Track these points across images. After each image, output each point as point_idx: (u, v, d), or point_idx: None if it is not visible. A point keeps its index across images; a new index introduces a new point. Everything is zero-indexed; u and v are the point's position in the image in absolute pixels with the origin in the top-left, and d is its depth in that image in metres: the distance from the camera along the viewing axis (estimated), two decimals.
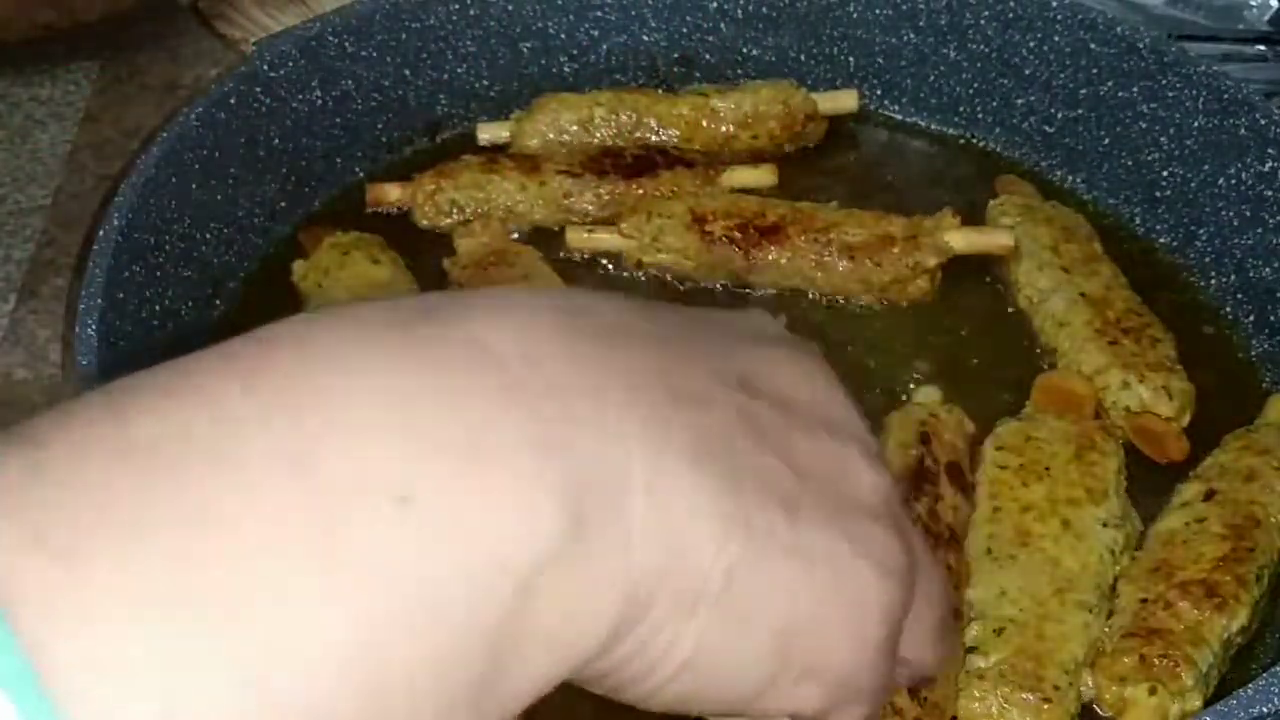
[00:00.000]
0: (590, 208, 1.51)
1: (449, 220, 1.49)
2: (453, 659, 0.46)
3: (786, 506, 0.57)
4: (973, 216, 1.50)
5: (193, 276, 1.36)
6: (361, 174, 1.57)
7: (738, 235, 1.42)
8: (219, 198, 1.40)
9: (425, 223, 1.49)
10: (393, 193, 1.51)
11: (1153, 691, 1.07)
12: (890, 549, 0.62)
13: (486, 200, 1.49)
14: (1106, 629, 1.12)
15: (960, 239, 1.43)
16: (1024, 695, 1.06)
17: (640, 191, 1.51)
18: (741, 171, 1.56)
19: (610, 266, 1.47)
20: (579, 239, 1.47)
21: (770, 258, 1.42)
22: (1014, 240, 1.44)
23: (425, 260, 1.45)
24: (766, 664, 0.58)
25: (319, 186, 1.53)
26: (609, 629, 0.51)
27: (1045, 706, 1.06)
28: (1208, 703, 1.08)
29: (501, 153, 1.56)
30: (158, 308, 1.29)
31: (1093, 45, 1.53)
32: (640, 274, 1.46)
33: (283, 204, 1.49)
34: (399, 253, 1.43)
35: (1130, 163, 1.54)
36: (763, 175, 1.56)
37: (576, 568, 0.49)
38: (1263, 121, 1.39)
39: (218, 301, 1.41)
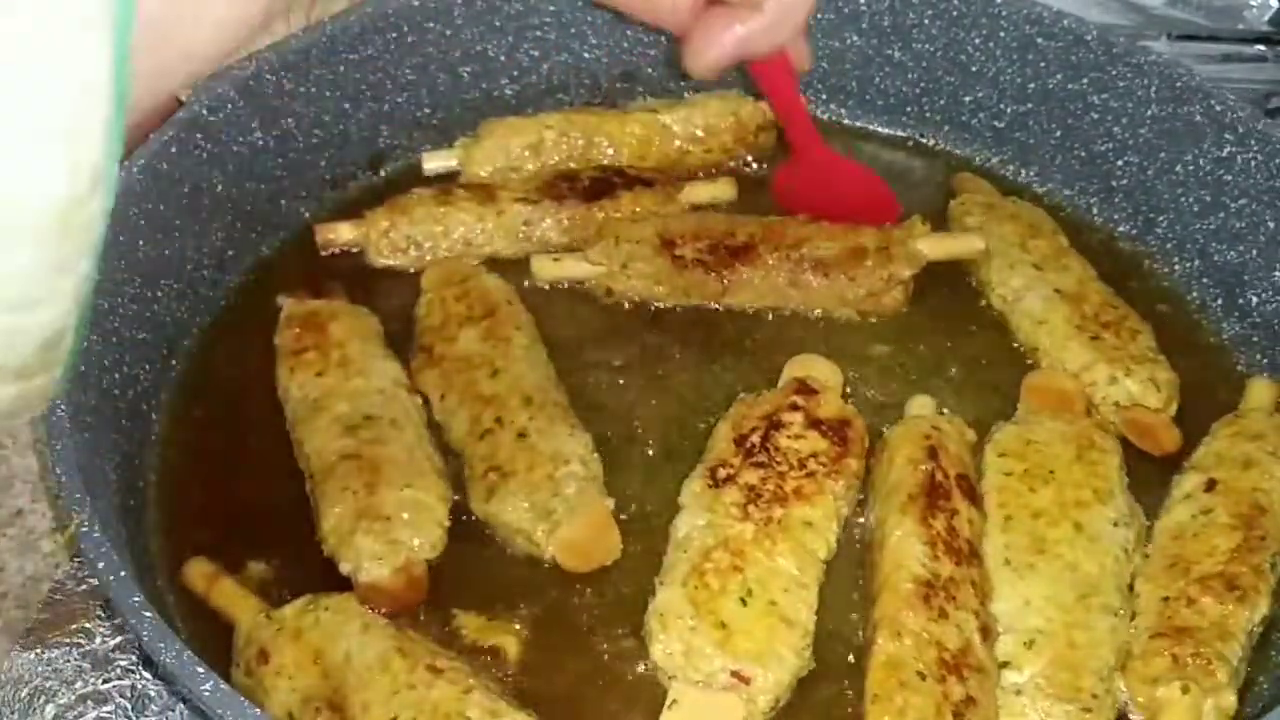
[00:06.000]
0: (551, 234, 1.46)
1: (407, 257, 1.43)
2: None
3: None
4: (932, 216, 1.49)
5: (148, 338, 1.28)
6: (307, 214, 1.50)
7: (709, 257, 1.39)
8: (166, 253, 1.32)
9: (382, 261, 1.43)
10: (345, 233, 1.44)
11: (1185, 690, 1.06)
12: None
13: (445, 234, 1.44)
14: (1132, 629, 1.12)
15: (932, 246, 1.42)
16: (1065, 707, 1.05)
17: (602, 214, 1.47)
18: (699, 187, 1.53)
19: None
20: (546, 268, 1.42)
21: (744, 278, 1.39)
22: (984, 242, 1.43)
23: (387, 299, 1.39)
24: None
25: (265, 231, 1.46)
26: None
27: (1086, 716, 1.05)
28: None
29: (452, 182, 1.51)
30: (117, 375, 1.22)
31: (1039, 39, 1.53)
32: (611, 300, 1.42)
33: (230, 252, 1.42)
34: (360, 292, 1.38)
35: (1084, 154, 1.55)
36: (721, 189, 1.53)
37: None
38: (1218, 108, 1.41)
39: (174, 361, 1.33)
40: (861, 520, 1.22)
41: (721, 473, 1.18)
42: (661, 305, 1.41)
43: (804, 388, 1.26)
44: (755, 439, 1.20)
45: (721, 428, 1.24)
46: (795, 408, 1.23)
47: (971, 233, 1.44)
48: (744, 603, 1.08)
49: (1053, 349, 1.35)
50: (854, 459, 1.21)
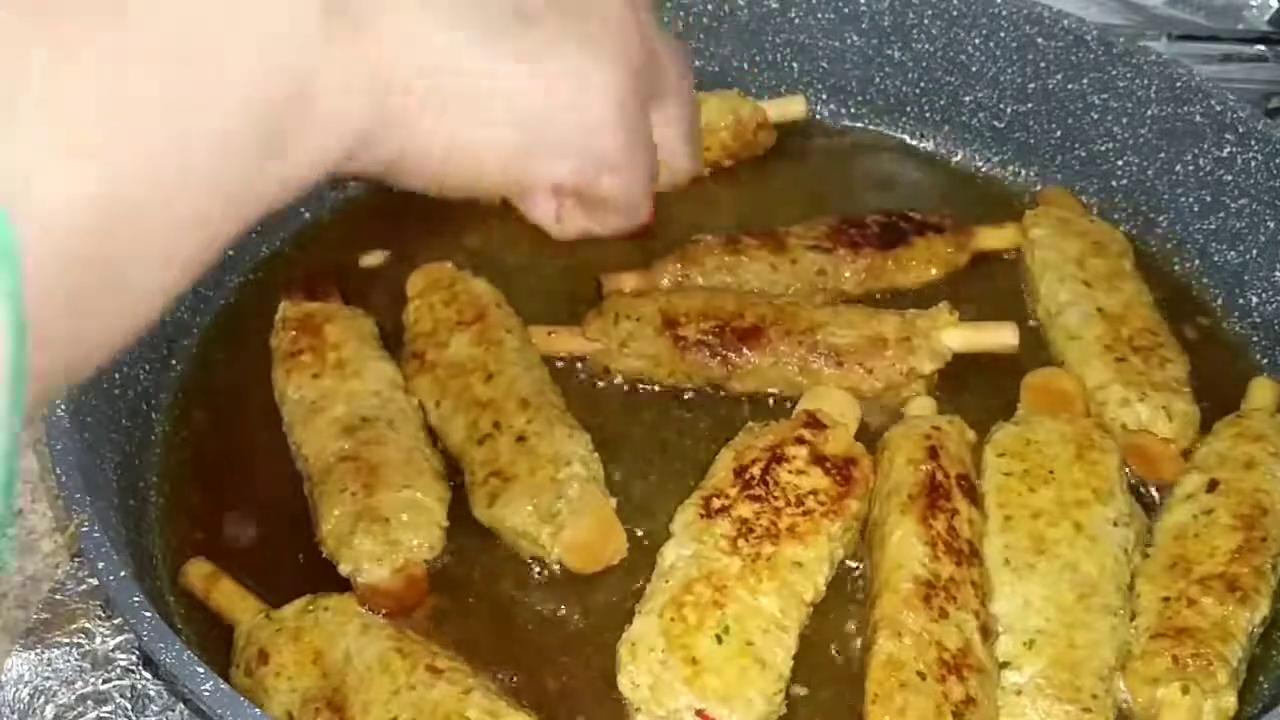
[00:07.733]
0: (848, 285, 1.42)
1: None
2: (242, 133, 0.63)
3: (524, 18, 0.75)
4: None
5: (148, 338, 1.27)
6: (307, 214, 1.50)
7: (713, 340, 1.31)
8: None
9: None
10: (631, 282, 1.39)
11: (1185, 690, 1.07)
12: (622, 45, 0.81)
13: (739, 285, 1.39)
14: (1132, 630, 1.11)
15: (959, 338, 1.33)
16: (1065, 707, 1.05)
17: (893, 264, 1.43)
18: (989, 233, 1.47)
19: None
20: (541, 341, 1.34)
21: (750, 363, 1.31)
22: (1017, 337, 1.35)
23: (381, 301, 1.39)
24: (514, 145, 0.79)
25: (266, 231, 1.46)
26: (373, 114, 0.69)
27: (1086, 716, 1.05)
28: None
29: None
30: (117, 375, 1.22)
31: (1039, 39, 1.53)
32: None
33: (230, 252, 1.40)
34: (354, 294, 1.38)
35: (1084, 154, 1.55)
36: (1010, 235, 1.47)
37: (338, 62, 0.65)
38: (1218, 108, 1.41)
39: (174, 361, 1.34)
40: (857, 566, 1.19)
41: (716, 503, 1.15)
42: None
43: (814, 421, 1.22)
44: (755, 470, 1.17)
45: (723, 455, 1.21)
46: (801, 441, 1.20)
47: (1004, 325, 1.36)
48: (719, 640, 1.06)
49: (1076, 364, 1.32)
50: (856, 500, 1.17)
